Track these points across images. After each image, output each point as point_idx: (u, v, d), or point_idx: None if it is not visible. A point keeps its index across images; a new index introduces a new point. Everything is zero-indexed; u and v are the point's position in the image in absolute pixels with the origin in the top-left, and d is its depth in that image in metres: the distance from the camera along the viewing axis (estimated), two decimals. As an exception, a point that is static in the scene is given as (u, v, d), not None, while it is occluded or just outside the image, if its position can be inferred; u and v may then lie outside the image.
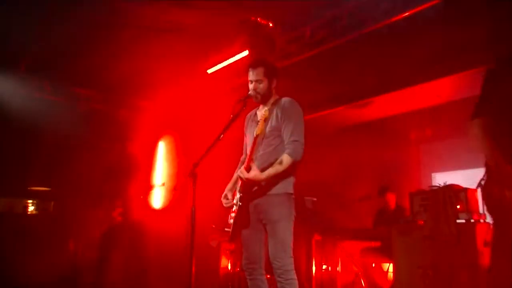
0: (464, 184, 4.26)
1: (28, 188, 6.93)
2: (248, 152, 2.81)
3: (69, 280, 5.98)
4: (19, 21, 5.00)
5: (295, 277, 2.74)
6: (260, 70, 2.97)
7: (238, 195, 2.85)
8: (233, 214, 2.88)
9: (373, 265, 5.32)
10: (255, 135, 2.73)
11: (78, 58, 6.09)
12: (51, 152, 6.43)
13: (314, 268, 5.51)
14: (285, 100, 2.97)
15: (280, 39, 5.64)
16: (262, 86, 2.96)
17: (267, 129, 2.87)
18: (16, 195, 6.74)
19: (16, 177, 6.40)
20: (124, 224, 4.69)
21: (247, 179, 2.71)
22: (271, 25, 5.33)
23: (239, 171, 2.78)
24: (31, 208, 6.76)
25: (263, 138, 2.87)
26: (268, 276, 3.04)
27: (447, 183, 4.26)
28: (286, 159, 2.75)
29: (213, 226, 5.64)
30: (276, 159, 2.78)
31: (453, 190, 4.14)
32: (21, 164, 6.30)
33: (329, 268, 5.60)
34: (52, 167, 6.71)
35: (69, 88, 6.94)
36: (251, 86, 2.98)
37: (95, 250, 4.93)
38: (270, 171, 2.74)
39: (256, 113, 3.12)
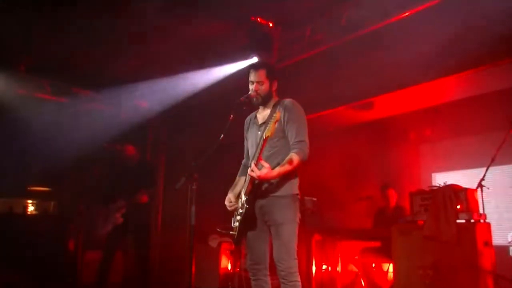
0: (464, 184, 4.26)
1: (28, 188, 6.94)
2: (257, 154, 2.76)
3: (69, 280, 5.98)
4: (19, 21, 5.00)
5: (299, 279, 2.74)
6: (262, 72, 2.98)
7: (243, 198, 2.83)
8: (238, 217, 2.87)
9: (373, 265, 5.32)
10: (265, 137, 2.67)
11: (78, 58, 6.09)
12: (51, 152, 6.43)
13: (314, 268, 5.52)
14: (287, 101, 2.97)
15: (280, 39, 5.64)
16: (263, 88, 2.97)
17: None
18: (16, 195, 6.74)
19: (16, 177, 6.40)
20: (127, 225, 4.71)
21: (259, 176, 2.66)
22: (271, 25, 5.32)
23: (249, 170, 2.74)
24: (31, 208, 6.76)
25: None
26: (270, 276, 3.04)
27: (447, 183, 4.27)
28: (295, 158, 2.73)
29: (218, 229, 5.64)
30: (281, 161, 2.77)
31: (453, 190, 4.14)
32: (21, 164, 6.30)
33: (329, 268, 5.60)
34: (52, 167, 6.71)
35: (69, 88, 6.94)
36: (251, 87, 2.98)
37: (98, 251, 4.96)
38: (281, 169, 2.72)
39: (256, 116, 3.10)
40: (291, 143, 2.83)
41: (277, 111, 2.86)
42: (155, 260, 7.64)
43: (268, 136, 2.64)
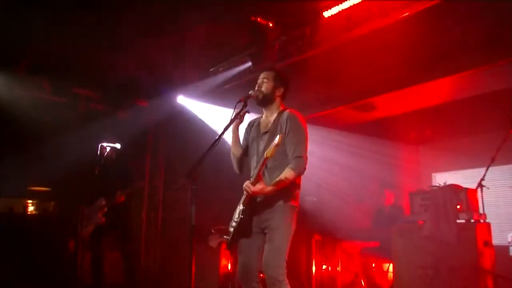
0: (464, 184, 4.26)
1: (28, 188, 6.92)
2: (257, 171, 2.79)
3: (69, 280, 5.97)
4: (20, 21, 5.00)
5: (288, 286, 2.71)
6: (270, 72, 3.05)
7: (241, 207, 2.85)
8: (234, 224, 2.88)
9: (373, 265, 5.32)
10: (265, 157, 2.69)
11: (78, 58, 6.09)
12: (51, 152, 6.43)
13: (314, 268, 5.52)
14: (290, 114, 2.96)
15: (280, 39, 5.64)
16: (266, 86, 2.99)
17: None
18: (16, 195, 6.73)
19: (16, 177, 6.39)
20: (109, 225, 4.71)
21: (253, 192, 2.71)
22: (271, 25, 5.32)
23: (244, 184, 2.77)
24: (31, 208, 6.75)
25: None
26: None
27: (447, 183, 4.27)
28: (290, 174, 2.77)
29: (213, 231, 5.65)
30: (280, 174, 2.78)
31: (453, 190, 4.14)
32: (21, 164, 6.29)
33: (329, 268, 5.60)
34: (52, 167, 6.70)
35: (69, 88, 6.93)
36: (257, 84, 3.02)
37: (89, 251, 4.97)
38: (275, 186, 2.75)
39: (259, 122, 3.09)
40: (289, 157, 2.85)
41: (279, 124, 2.86)
42: (155, 260, 7.65)
43: (268, 157, 2.65)
